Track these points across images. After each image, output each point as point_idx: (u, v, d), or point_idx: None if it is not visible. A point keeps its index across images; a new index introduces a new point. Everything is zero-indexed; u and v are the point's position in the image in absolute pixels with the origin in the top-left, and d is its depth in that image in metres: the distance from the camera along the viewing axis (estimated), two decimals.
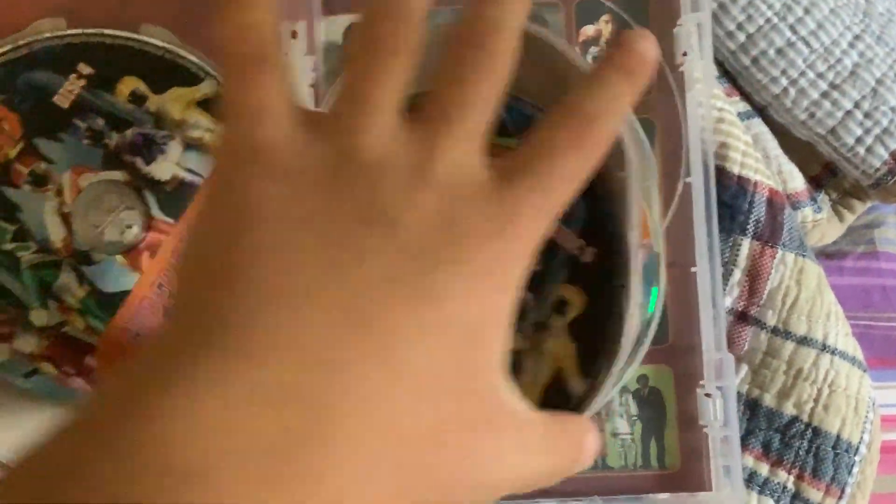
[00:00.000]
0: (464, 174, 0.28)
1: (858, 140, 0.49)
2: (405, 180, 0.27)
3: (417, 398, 0.25)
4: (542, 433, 0.28)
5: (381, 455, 0.24)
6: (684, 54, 0.46)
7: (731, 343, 0.48)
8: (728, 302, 0.49)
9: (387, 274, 0.26)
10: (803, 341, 0.49)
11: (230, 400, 0.23)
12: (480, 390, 0.27)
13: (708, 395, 0.45)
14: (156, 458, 0.22)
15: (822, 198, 0.53)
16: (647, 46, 0.30)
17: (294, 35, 0.46)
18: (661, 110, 0.47)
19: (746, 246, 0.49)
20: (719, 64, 0.50)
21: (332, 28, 0.48)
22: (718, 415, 0.45)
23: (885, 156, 0.49)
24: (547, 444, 0.29)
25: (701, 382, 0.46)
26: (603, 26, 0.48)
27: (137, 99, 0.44)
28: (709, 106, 0.46)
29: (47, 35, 0.42)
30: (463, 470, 0.26)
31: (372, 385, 0.24)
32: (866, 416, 0.49)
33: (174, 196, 0.44)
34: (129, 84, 0.44)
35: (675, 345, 0.47)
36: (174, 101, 0.44)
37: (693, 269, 0.46)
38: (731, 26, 0.50)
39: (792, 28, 0.49)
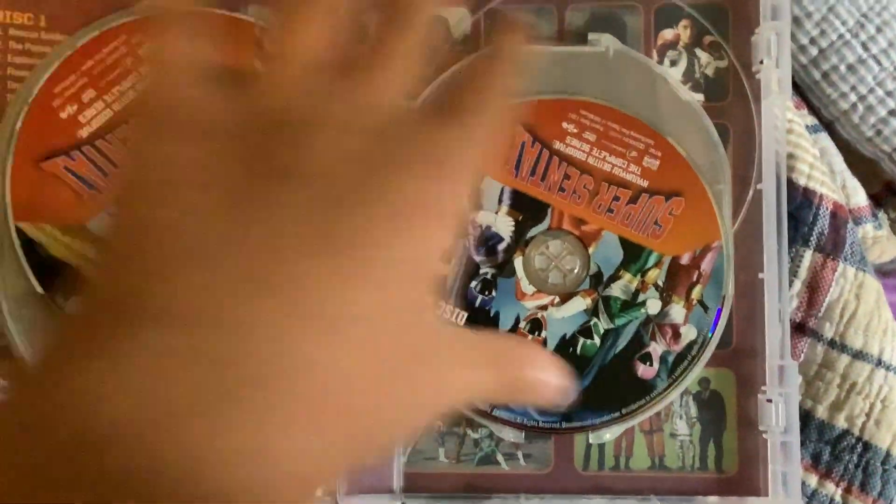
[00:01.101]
0: (385, 118, 0.27)
1: None
2: (314, 126, 0.26)
3: (341, 342, 0.24)
4: (476, 348, 0.28)
5: (310, 404, 0.23)
6: (761, 62, 0.46)
7: None
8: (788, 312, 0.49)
9: (295, 226, 0.25)
10: (859, 355, 0.49)
11: (143, 365, 0.22)
12: (417, 325, 0.26)
13: (770, 400, 0.45)
14: (76, 426, 0.22)
15: (882, 216, 0.53)
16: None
17: None
18: (736, 116, 0.48)
19: (808, 257, 0.49)
20: None
21: None
22: (780, 420, 0.45)
23: None
24: (483, 357, 0.28)
25: (763, 388, 0.46)
26: (682, 31, 0.48)
27: None
28: (783, 115, 0.47)
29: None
30: (414, 397, 0.26)
31: (283, 339, 0.23)
32: None
33: None
34: None
35: (738, 349, 0.47)
36: None
37: (760, 276, 0.46)
38: (805, 40, 0.50)
39: (864, 45, 0.50)
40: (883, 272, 0.54)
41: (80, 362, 0.22)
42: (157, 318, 0.23)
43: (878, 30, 0.50)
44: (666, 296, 0.46)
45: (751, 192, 0.47)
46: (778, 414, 0.45)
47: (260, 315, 0.23)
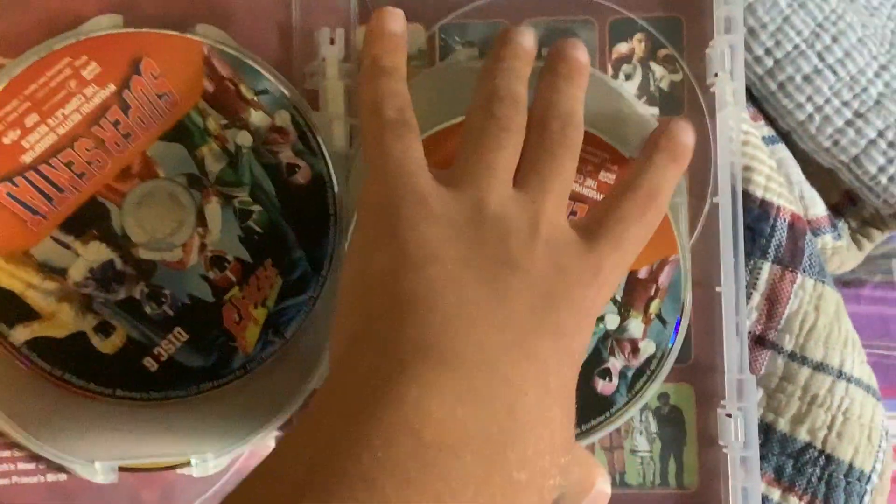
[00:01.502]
0: (560, 232, 0.36)
1: (881, 169, 0.50)
2: (524, 234, 0.35)
3: (555, 405, 0.33)
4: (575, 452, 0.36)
5: (547, 439, 0.32)
6: (715, 75, 0.46)
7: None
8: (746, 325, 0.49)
9: (527, 309, 0.33)
10: (819, 367, 0.49)
11: (446, 398, 0.30)
12: (572, 403, 0.35)
13: (729, 415, 0.45)
14: (409, 435, 0.29)
15: (842, 226, 0.53)
16: (688, 137, 0.41)
17: (332, 42, 0.46)
18: None
19: (767, 270, 0.49)
20: (746, 88, 0.50)
21: None
22: (739, 435, 0.45)
23: None
24: (572, 460, 0.35)
25: (722, 402, 0.46)
26: (636, 45, 0.48)
27: None
28: (738, 128, 0.46)
29: (106, 32, 0.42)
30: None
31: (532, 398, 0.32)
32: (879, 446, 0.49)
33: None
34: None
35: (697, 363, 0.47)
36: None
37: (718, 289, 0.46)
38: (760, 51, 0.50)
39: (819, 55, 0.50)
40: (843, 282, 0.54)
41: (399, 389, 0.30)
42: (452, 363, 0.31)
43: (834, 39, 0.50)
44: (624, 310, 0.45)
45: (707, 206, 0.47)
46: (737, 429, 0.45)
47: (521, 372, 0.32)
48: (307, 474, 0.28)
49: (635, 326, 0.45)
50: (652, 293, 0.45)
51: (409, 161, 0.36)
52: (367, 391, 0.30)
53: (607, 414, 0.45)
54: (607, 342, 0.45)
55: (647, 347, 0.45)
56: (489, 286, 0.33)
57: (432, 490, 0.28)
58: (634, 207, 0.38)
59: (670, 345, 0.45)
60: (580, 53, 0.41)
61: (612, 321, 0.45)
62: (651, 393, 0.46)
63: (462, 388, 0.30)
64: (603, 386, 0.45)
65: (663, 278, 0.45)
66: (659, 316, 0.45)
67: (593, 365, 0.45)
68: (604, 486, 0.37)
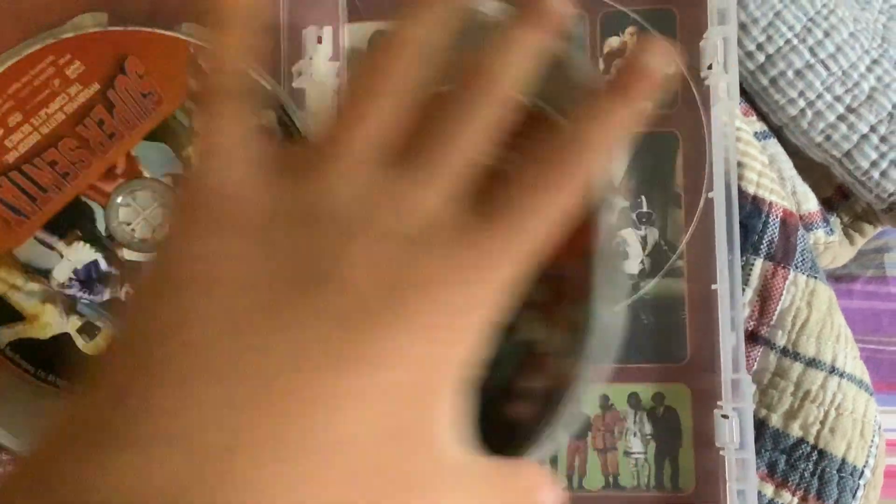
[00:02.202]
0: (428, 222, 0.25)
1: (873, 164, 0.49)
2: (356, 234, 0.25)
3: (338, 474, 0.23)
4: (488, 483, 0.26)
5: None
6: (709, 67, 0.46)
7: None
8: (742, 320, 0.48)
9: (315, 342, 0.23)
10: (812, 363, 0.48)
11: (125, 496, 0.21)
12: (416, 451, 0.24)
13: (725, 416, 0.45)
14: None
15: (834, 220, 0.53)
16: (654, 61, 0.26)
17: (319, 40, 0.45)
18: (685, 124, 0.47)
19: (759, 266, 0.49)
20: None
21: (357, 35, 0.47)
22: (735, 437, 0.44)
23: None
24: (494, 493, 0.26)
25: (718, 403, 0.45)
26: (628, 38, 0.47)
27: None
28: (732, 123, 0.46)
29: (90, 30, 0.42)
30: None
31: (269, 472, 0.22)
32: (872, 441, 0.49)
33: None
34: None
35: (692, 363, 0.46)
36: None
37: (713, 287, 0.45)
38: (751, 46, 0.49)
39: (811, 50, 0.49)
40: (836, 277, 0.53)
41: (74, 482, 0.22)
42: (139, 442, 0.22)
43: (826, 34, 0.49)
44: (533, 317, 0.43)
45: (702, 202, 0.46)
46: (733, 430, 0.44)
47: (247, 447, 0.22)
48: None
49: (546, 335, 0.42)
50: (565, 295, 0.42)
51: (213, 143, 0.26)
52: (49, 471, 0.23)
53: (522, 440, 0.40)
54: (514, 357, 0.42)
55: (561, 360, 0.42)
56: (268, 315, 0.24)
57: None
58: (548, 175, 0.26)
59: (586, 355, 0.41)
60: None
61: (526, 331, 0.41)
62: (569, 412, 0.41)
63: (144, 483, 0.22)
64: (511, 409, 0.41)
65: (577, 279, 0.42)
66: (571, 322, 0.41)
67: (498, 385, 0.41)
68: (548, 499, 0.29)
